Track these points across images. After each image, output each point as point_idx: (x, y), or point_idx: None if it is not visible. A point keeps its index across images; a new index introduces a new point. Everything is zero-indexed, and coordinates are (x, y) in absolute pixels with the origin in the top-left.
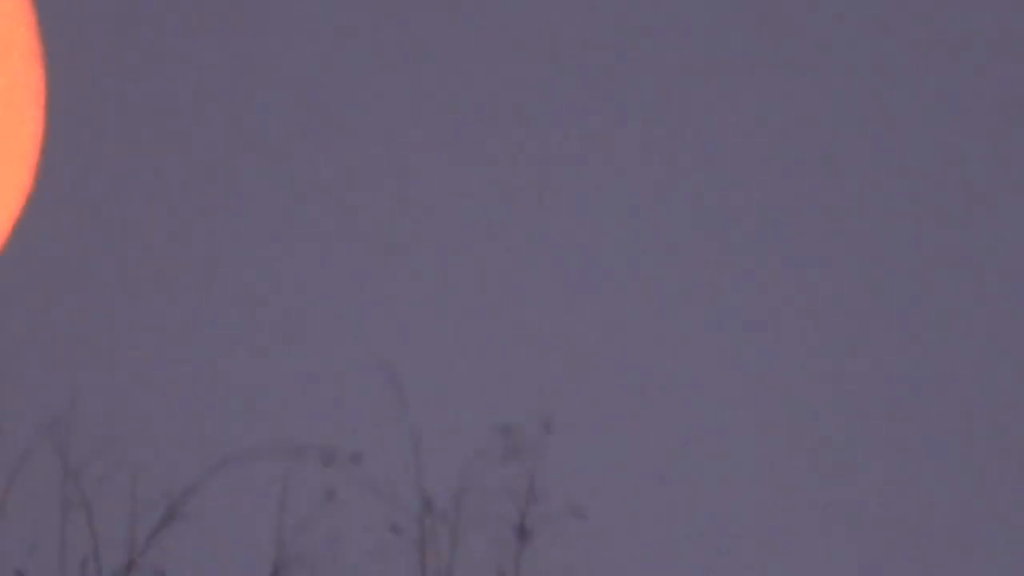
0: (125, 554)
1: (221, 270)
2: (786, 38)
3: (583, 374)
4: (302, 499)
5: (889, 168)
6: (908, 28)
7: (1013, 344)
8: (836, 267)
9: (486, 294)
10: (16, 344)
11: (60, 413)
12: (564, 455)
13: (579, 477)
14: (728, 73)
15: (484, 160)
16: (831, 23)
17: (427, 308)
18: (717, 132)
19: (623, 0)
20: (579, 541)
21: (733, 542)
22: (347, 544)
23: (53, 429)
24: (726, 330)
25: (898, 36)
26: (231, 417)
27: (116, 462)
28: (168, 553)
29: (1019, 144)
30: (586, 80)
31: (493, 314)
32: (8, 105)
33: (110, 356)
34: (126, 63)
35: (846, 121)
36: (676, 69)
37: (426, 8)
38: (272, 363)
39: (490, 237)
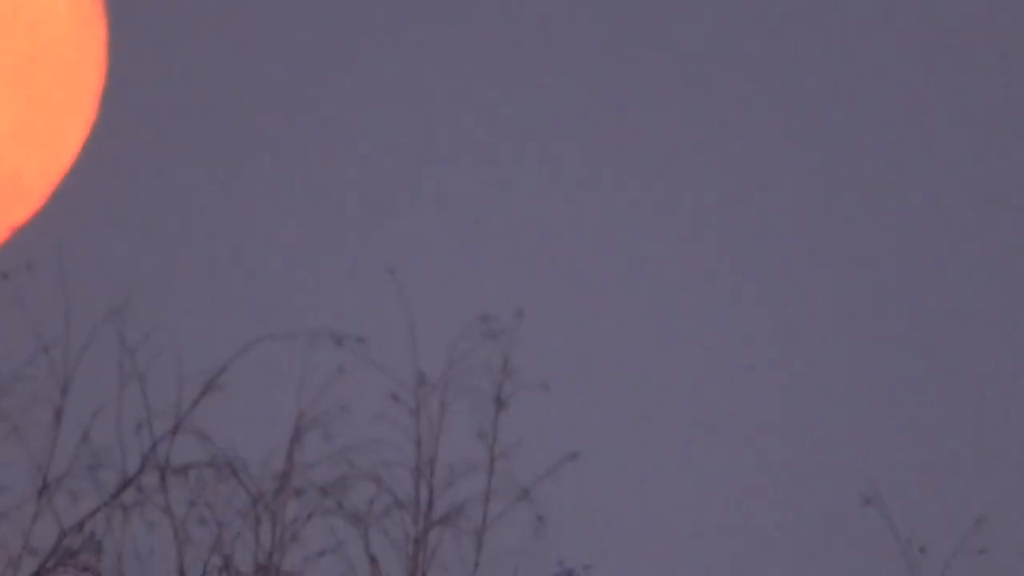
0: (173, 418)
1: (251, 193)
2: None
3: (551, 271)
4: (318, 374)
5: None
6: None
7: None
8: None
9: (472, 204)
10: (85, 245)
11: (120, 302)
12: (534, 338)
13: (546, 356)
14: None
15: (480, 84)
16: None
17: (422, 217)
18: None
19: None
20: (546, 408)
21: (683, 408)
22: (355, 411)
23: (114, 315)
24: (683, 222)
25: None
26: (260, 307)
27: (165, 343)
28: (208, 418)
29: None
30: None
31: (476, 221)
32: (74, 37)
33: (161, 257)
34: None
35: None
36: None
37: None
38: (294, 263)
39: (478, 160)
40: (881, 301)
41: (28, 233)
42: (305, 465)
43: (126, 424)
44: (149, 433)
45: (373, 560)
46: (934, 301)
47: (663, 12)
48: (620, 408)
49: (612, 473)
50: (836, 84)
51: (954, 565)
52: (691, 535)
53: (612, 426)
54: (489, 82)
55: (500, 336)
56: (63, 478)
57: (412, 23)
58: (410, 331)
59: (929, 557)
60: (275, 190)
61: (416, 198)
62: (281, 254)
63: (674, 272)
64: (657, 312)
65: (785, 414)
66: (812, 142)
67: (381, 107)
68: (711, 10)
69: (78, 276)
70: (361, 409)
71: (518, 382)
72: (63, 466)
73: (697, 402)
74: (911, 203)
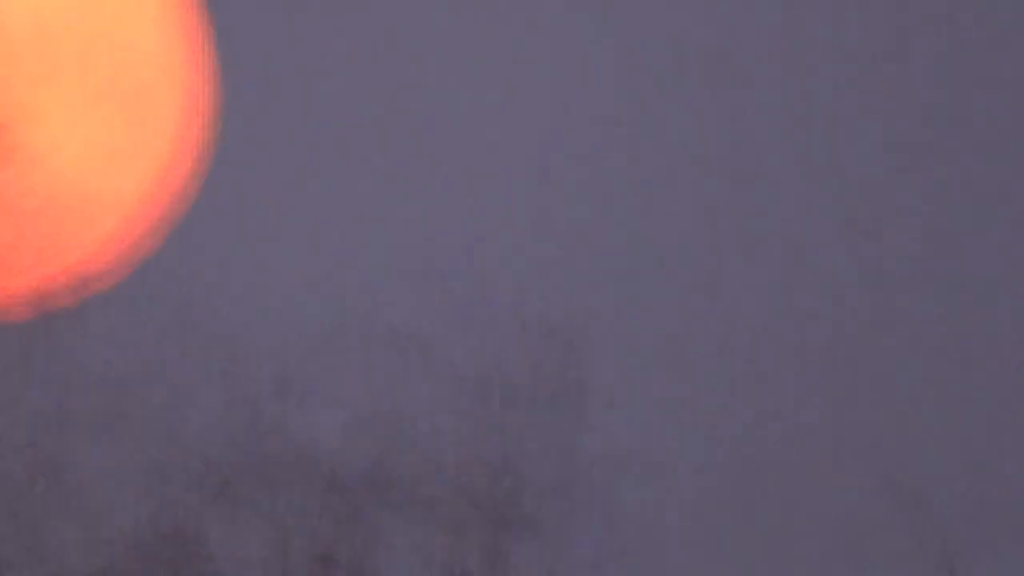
0: (262, 420)
1: (328, 211)
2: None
3: (608, 285)
4: (396, 377)
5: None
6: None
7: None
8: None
9: (537, 216)
10: (193, 265)
11: (223, 325)
12: (602, 344)
13: (615, 363)
14: None
15: (534, 89)
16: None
17: (492, 227)
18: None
19: None
20: (615, 418)
21: (736, 414)
22: (430, 414)
23: (215, 334)
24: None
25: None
26: (339, 314)
27: (254, 350)
28: (292, 418)
29: None
30: None
31: (539, 241)
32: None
33: (251, 270)
34: None
35: None
36: None
37: None
38: (372, 271)
39: (538, 173)
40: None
41: (146, 259)
42: (385, 465)
43: (224, 425)
44: (243, 434)
45: (453, 560)
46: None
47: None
48: (683, 415)
49: (677, 476)
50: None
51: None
52: (748, 531)
53: (675, 432)
54: (552, 91)
55: (560, 341)
56: (169, 471)
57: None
58: (480, 336)
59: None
60: (349, 207)
61: (484, 210)
62: (358, 264)
63: (724, 282)
64: (710, 318)
65: (825, 418)
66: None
67: (444, 129)
68: None
69: (187, 296)
70: (436, 403)
71: (589, 391)
72: (170, 460)
73: (748, 407)
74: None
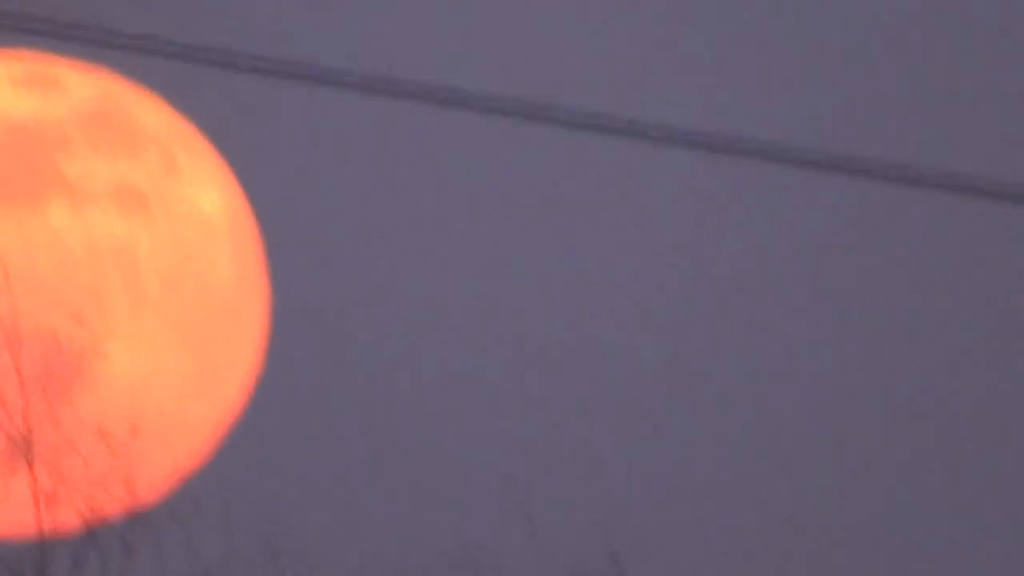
0: None
1: (393, 437)
2: None
3: (645, 521)
4: None
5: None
6: None
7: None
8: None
9: (565, 465)
10: (246, 485)
11: (277, 538)
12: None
13: None
14: None
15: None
16: None
17: (552, 463)
18: None
19: None
20: None
21: None
22: None
23: (271, 550)
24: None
25: None
26: (401, 538)
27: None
28: None
29: None
30: None
31: (572, 478)
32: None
33: (314, 496)
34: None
35: None
36: None
37: None
38: (427, 497)
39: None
40: None
41: (195, 475)
42: None
43: None
44: None
45: None
46: None
47: None
48: None
49: None
50: None
51: None
52: None
53: None
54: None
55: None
56: None
57: None
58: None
59: None
60: (408, 431)
61: (547, 447)
62: (415, 490)
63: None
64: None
65: None
66: None
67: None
68: None
69: (239, 514)
70: None
71: None
72: None
73: None
74: None
